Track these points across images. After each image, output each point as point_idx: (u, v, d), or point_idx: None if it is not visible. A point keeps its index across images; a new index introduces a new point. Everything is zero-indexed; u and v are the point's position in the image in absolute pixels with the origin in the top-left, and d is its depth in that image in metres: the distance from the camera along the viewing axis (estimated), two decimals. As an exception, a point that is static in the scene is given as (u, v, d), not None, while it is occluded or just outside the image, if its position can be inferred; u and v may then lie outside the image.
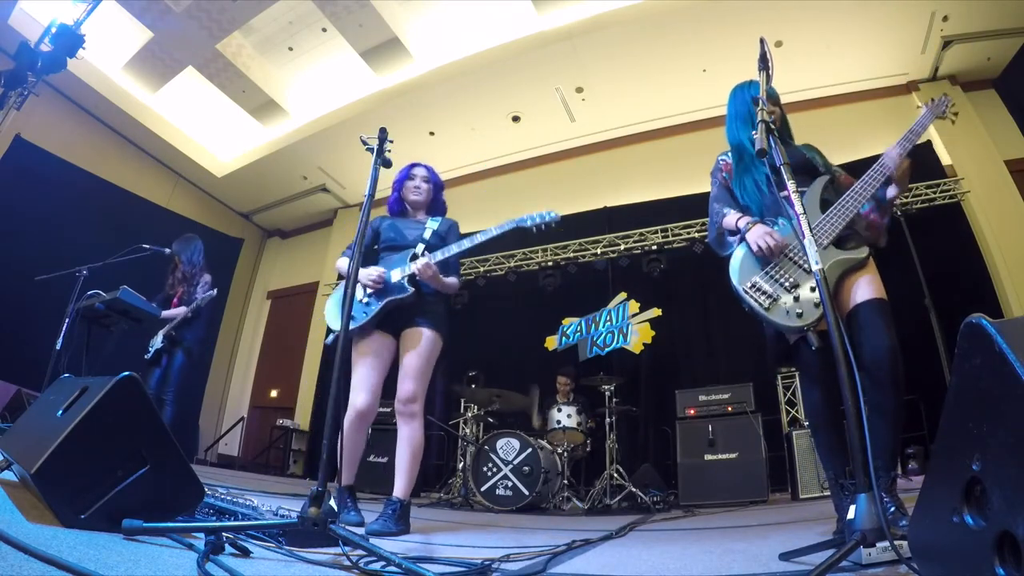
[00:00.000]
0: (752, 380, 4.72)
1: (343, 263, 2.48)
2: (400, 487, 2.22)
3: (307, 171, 8.69)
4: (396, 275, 2.34)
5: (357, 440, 2.35)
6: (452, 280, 2.45)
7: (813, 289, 1.70)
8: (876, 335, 1.66)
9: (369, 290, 2.33)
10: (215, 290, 3.93)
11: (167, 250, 4.02)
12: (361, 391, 2.30)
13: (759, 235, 1.81)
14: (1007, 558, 0.69)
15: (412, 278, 2.33)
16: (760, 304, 1.75)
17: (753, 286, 1.78)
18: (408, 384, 2.27)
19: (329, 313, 2.48)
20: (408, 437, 2.26)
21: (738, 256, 1.87)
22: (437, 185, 2.67)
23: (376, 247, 2.52)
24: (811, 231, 1.44)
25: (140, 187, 8.07)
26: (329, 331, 2.42)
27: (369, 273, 2.31)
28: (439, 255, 2.34)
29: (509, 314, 7.01)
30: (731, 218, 1.95)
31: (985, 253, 5.55)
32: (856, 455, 1.20)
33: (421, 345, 2.32)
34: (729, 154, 2.10)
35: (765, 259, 1.81)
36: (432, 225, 2.50)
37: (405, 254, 2.40)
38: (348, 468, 2.36)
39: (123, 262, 3.93)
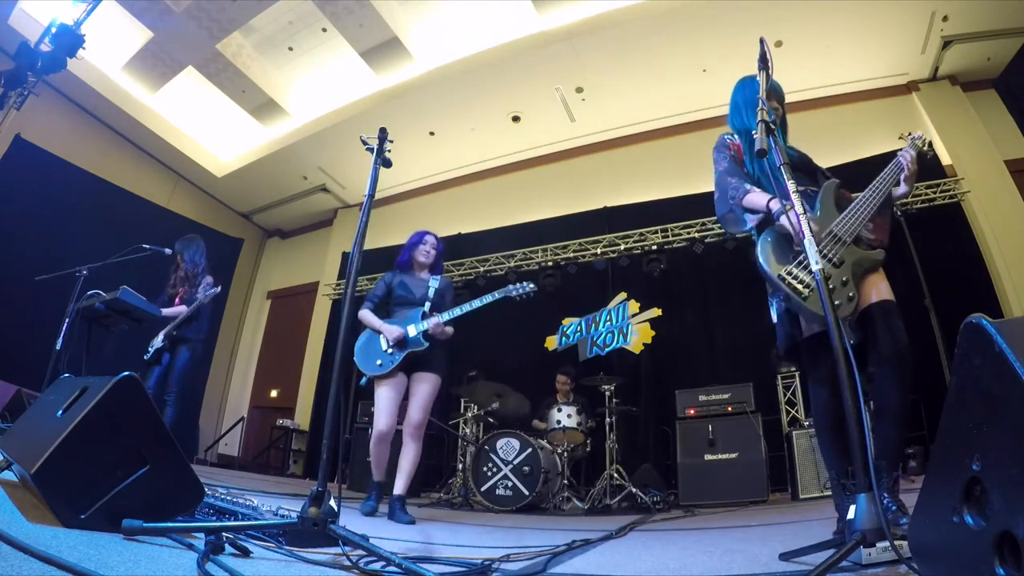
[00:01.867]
0: (752, 380, 4.72)
1: (366, 315, 3.03)
2: (404, 486, 2.87)
3: (307, 171, 8.69)
4: (412, 331, 2.95)
5: (382, 452, 2.94)
6: (449, 329, 3.02)
7: (845, 283, 1.69)
8: (892, 334, 1.68)
9: (392, 342, 2.94)
10: (219, 287, 3.92)
11: (167, 250, 4.01)
12: (383, 416, 2.89)
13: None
14: (1007, 558, 0.69)
15: (426, 332, 2.93)
16: (799, 292, 1.69)
17: (790, 273, 1.73)
18: (418, 415, 2.94)
19: (358, 357, 3.03)
20: (414, 452, 2.93)
21: (767, 242, 1.83)
22: (440, 252, 3.28)
23: (389, 300, 3.11)
24: (811, 232, 1.44)
25: (140, 187, 8.07)
26: (362, 375, 3.01)
27: (393, 332, 2.94)
28: (446, 315, 2.94)
29: (509, 314, 7.00)
30: (759, 197, 1.87)
31: (985, 253, 5.54)
32: (857, 455, 1.20)
33: (430, 386, 2.99)
34: (735, 136, 2.07)
35: (794, 248, 1.76)
36: (433, 284, 3.13)
37: (417, 311, 3.02)
38: (379, 468, 2.96)
39: (123, 262, 3.93)
